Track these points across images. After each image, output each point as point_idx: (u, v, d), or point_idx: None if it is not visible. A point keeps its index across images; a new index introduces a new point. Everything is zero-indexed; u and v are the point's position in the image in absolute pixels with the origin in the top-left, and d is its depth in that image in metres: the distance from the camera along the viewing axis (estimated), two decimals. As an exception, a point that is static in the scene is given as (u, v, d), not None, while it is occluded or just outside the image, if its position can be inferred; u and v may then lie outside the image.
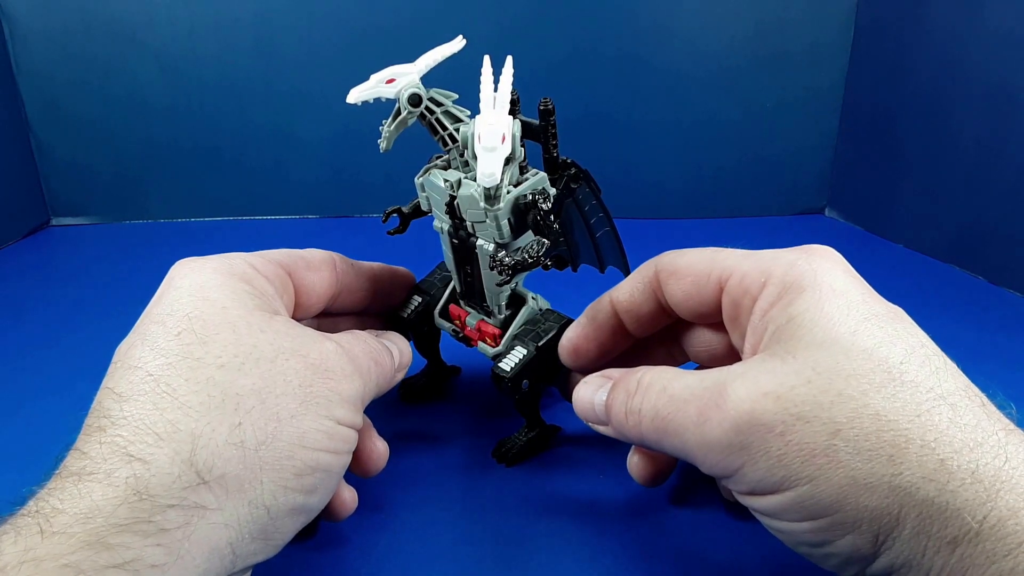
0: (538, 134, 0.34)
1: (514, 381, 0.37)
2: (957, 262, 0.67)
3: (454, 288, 0.41)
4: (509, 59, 0.33)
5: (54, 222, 0.78)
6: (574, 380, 0.36)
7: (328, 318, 0.40)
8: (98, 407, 0.27)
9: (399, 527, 0.36)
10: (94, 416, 0.27)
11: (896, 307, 0.29)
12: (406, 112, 0.35)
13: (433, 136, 0.36)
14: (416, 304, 0.42)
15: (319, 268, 0.37)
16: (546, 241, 0.33)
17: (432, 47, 0.36)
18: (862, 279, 0.30)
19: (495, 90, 0.33)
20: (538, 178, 0.35)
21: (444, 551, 0.35)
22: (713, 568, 0.34)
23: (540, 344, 0.38)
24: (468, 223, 0.35)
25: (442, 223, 0.37)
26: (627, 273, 0.37)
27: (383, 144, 0.36)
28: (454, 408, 0.46)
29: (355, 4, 0.72)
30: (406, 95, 0.35)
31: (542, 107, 0.33)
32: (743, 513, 0.33)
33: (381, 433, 0.35)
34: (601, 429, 0.33)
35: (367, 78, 0.35)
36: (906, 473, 0.24)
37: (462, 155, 0.35)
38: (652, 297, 0.35)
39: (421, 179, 0.37)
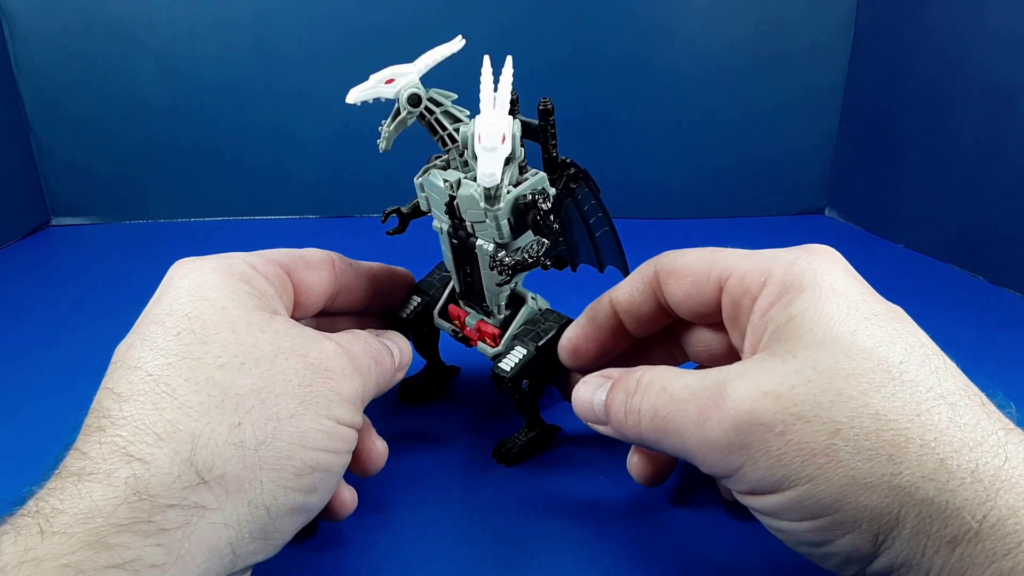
0: (537, 134, 0.34)
1: (514, 381, 0.37)
2: (957, 262, 0.67)
3: (453, 288, 0.41)
4: (509, 59, 0.33)
5: (54, 222, 0.78)
6: (574, 380, 0.36)
7: (327, 318, 0.40)
8: (98, 407, 0.27)
9: (399, 527, 0.36)
10: (94, 416, 0.27)
11: (896, 307, 0.29)
12: (405, 112, 0.35)
13: (432, 136, 0.36)
14: (415, 304, 0.42)
15: (318, 267, 0.37)
16: (546, 241, 0.33)
17: (432, 47, 0.36)
18: (862, 279, 0.30)
19: (495, 90, 0.33)
20: (538, 178, 0.35)
21: (444, 551, 0.35)
22: (713, 568, 0.34)
23: (540, 344, 0.38)
24: (468, 223, 0.35)
25: (441, 223, 0.37)
26: (626, 273, 0.37)
27: (382, 144, 0.36)
28: (454, 408, 0.46)
29: (355, 4, 0.72)
30: (405, 95, 0.35)
31: (541, 107, 0.33)
32: (743, 513, 0.33)
33: (381, 433, 0.35)
34: (600, 429, 0.33)
35: (367, 78, 0.35)
36: (906, 472, 0.24)
37: (461, 155, 0.35)
38: (652, 297, 0.35)
39: (420, 179, 0.37)
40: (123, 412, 0.26)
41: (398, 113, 0.35)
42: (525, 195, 0.34)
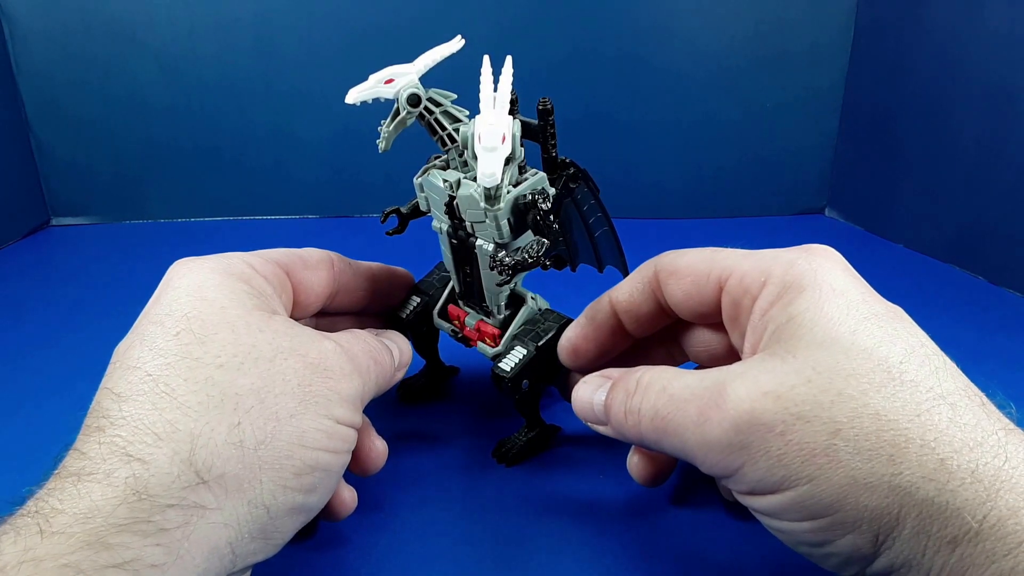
0: (537, 134, 0.34)
1: (514, 381, 0.37)
2: (957, 262, 0.67)
3: (453, 288, 0.41)
4: (509, 59, 0.33)
5: (54, 222, 0.78)
6: (573, 380, 0.36)
7: (327, 318, 0.40)
8: (97, 407, 0.27)
9: (399, 527, 0.36)
10: (93, 416, 0.27)
11: (896, 306, 0.29)
12: (405, 112, 0.35)
13: (432, 136, 0.36)
14: (415, 304, 0.42)
15: (317, 267, 0.37)
16: (546, 241, 0.33)
17: (432, 47, 0.36)
18: (862, 278, 0.30)
19: (495, 90, 0.33)
20: (537, 178, 0.35)
21: (444, 551, 0.35)
22: (713, 568, 0.34)
23: (540, 344, 0.38)
24: (467, 223, 0.35)
25: (441, 223, 0.37)
26: (626, 273, 0.37)
27: (382, 144, 0.36)
28: (453, 408, 0.46)
29: (355, 4, 0.72)
30: (405, 95, 0.35)
31: (541, 107, 0.33)
32: (743, 513, 0.33)
33: (381, 433, 0.35)
34: (600, 429, 0.33)
35: (367, 78, 0.35)
36: (906, 473, 0.24)
37: (461, 155, 0.35)
38: (651, 297, 0.35)
39: (420, 179, 0.37)
40: (122, 412, 0.26)
41: (397, 113, 0.35)
42: (525, 195, 0.34)
